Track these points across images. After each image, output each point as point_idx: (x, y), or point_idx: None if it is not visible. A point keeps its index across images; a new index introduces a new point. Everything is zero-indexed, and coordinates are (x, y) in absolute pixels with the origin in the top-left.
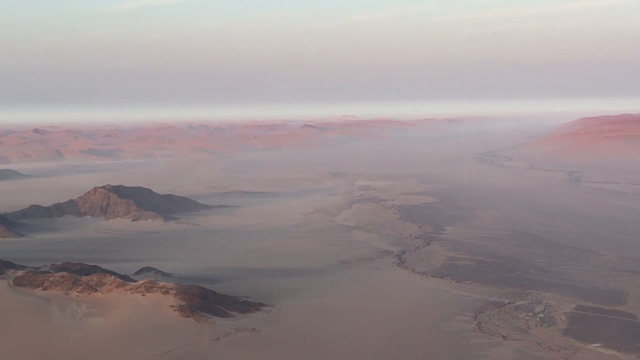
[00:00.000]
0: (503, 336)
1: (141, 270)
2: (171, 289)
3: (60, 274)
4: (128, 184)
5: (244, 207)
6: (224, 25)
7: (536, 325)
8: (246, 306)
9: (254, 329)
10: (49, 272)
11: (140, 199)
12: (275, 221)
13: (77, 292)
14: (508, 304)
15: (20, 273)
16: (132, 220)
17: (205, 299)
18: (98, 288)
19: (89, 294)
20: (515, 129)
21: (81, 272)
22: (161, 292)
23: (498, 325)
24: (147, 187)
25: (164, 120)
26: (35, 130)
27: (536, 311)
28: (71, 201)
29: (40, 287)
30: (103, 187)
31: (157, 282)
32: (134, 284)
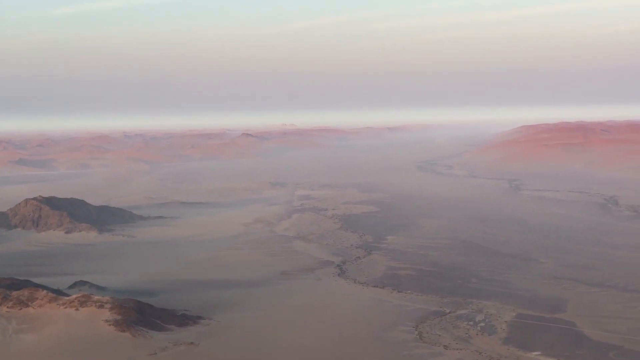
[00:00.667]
0: (444, 346)
1: (75, 284)
2: (106, 303)
3: None
4: (61, 195)
5: (182, 218)
6: (160, 32)
7: (477, 335)
8: (184, 319)
9: (192, 342)
10: None
11: (73, 211)
12: (215, 232)
13: (7, 307)
14: (449, 313)
15: None
16: (66, 232)
17: (142, 313)
18: (29, 303)
19: (20, 309)
20: (456, 137)
21: (12, 287)
22: (96, 306)
23: (439, 335)
24: (81, 199)
25: (98, 129)
26: None
27: (477, 320)
28: (1, 213)
29: None
30: (34, 198)
31: (92, 296)
32: (67, 298)
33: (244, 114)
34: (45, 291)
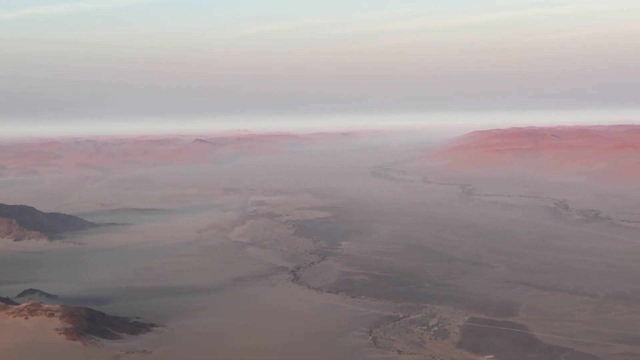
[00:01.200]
0: (398, 351)
1: (24, 293)
2: (56, 311)
3: None
4: (10, 202)
5: (135, 225)
6: (109, 37)
7: (430, 339)
8: (136, 327)
9: (144, 350)
10: None
11: (23, 218)
12: (168, 239)
13: None
14: (403, 318)
15: None
16: (14, 240)
17: (93, 321)
18: None
19: None
20: (409, 142)
21: None
22: (46, 314)
23: (393, 340)
24: (30, 206)
25: (48, 135)
26: None
27: (430, 325)
28: None
29: None
30: None
31: (42, 304)
32: (16, 307)
33: (197, 120)
34: None
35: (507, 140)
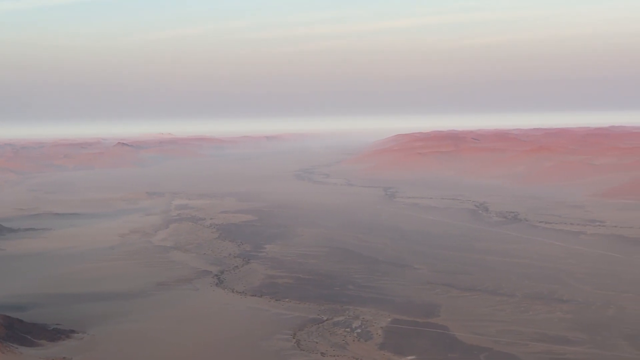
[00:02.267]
0: (321, 353)
1: None
2: None
3: None
4: None
5: (55, 230)
6: (29, 39)
7: (354, 341)
8: (56, 334)
9: (64, 357)
10: None
11: None
12: (89, 244)
13: None
14: (326, 320)
15: None
16: None
17: (11, 328)
18: None
19: None
20: (332, 145)
21: None
22: None
23: (317, 342)
24: None
25: None
26: None
27: (354, 326)
28: None
29: None
30: None
31: None
32: None
33: (119, 123)
34: None
35: (429, 144)
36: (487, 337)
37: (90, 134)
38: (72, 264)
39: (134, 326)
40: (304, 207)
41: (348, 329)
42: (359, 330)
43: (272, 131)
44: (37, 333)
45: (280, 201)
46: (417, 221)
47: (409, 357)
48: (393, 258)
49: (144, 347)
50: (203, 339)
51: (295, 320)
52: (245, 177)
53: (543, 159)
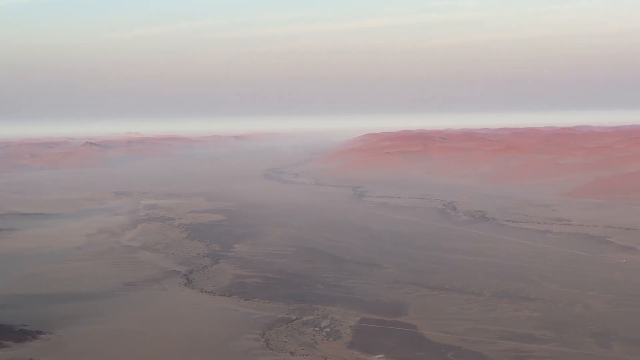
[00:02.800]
0: (290, 352)
1: None
2: None
3: None
4: None
5: (21, 230)
6: None
7: (322, 340)
8: (23, 335)
9: (31, 358)
10: None
11: None
12: (56, 244)
13: None
14: (295, 319)
15: None
16: None
17: None
18: None
19: None
20: (301, 145)
21: None
22: None
23: (286, 342)
24: None
25: None
26: None
27: (322, 326)
28: None
29: None
30: None
31: None
32: None
33: (86, 123)
34: None
35: (397, 143)
36: (454, 336)
37: (57, 134)
38: (39, 265)
39: (101, 327)
40: (273, 206)
41: (317, 328)
42: (327, 330)
43: (241, 131)
44: (3, 334)
45: (249, 201)
46: (386, 220)
47: (377, 356)
48: (362, 257)
49: (111, 348)
50: (171, 339)
51: (264, 319)
52: (214, 176)
53: (510, 159)
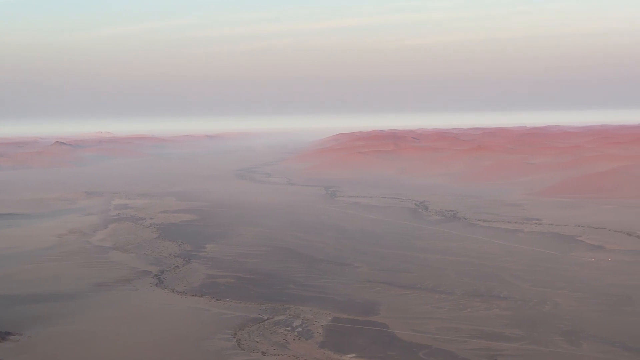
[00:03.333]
0: (262, 352)
1: None
2: None
3: None
4: None
5: None
6: None
7: (294, 340)
8: None
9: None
10: None
11: None
12: (25, 244)
13: None
14: (267, 319)
15: None
16: None
17: None
18: None
19: None
20: (274, 145)
21: None
22: None
23: (257, 342)
24: None
25: None
26: None
27: (294, 325)
28: None
29: None
30: None
31: None
32: None
33: (56, 122)
34: None
35: (369, 143)
36: (426, 335)
37: (27, 133)
38: (8, 265)
39: (72, 327)
40: (245, 206)
41: (289, 328)
42: (299, 329)
43: (214, 130)
44: None
45: (221, 200)
46: (358, 220)
47: (349, 355)
48: (334, 257)
49: (82, 349)
50: (143, 340)
51: (236, 319)
52: (186, 176)
53: (481, 158)
